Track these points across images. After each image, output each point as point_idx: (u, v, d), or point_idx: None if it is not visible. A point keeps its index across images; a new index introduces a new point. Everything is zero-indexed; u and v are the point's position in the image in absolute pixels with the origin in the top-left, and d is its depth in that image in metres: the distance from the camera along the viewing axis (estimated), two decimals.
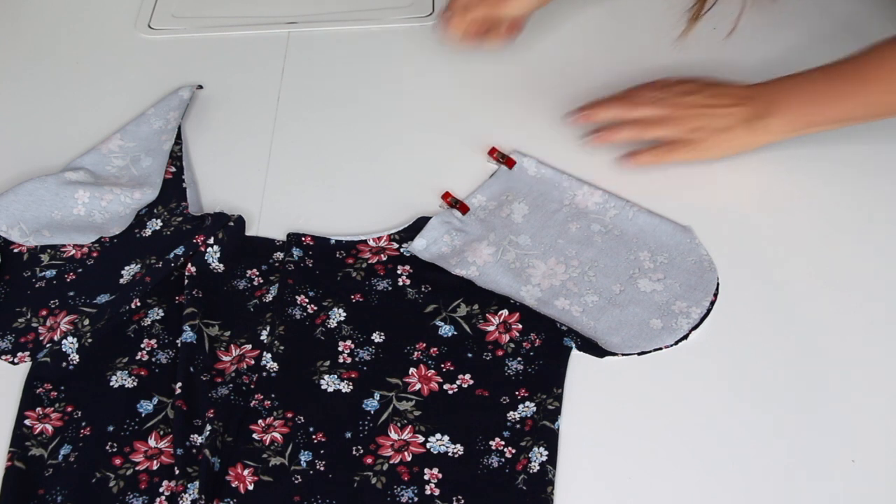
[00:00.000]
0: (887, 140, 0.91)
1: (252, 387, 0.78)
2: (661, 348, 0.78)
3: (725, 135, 0.86)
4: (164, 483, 0.73)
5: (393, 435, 0.75)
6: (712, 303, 0.80)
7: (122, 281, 0.85)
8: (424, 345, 0.80)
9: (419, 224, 0.87)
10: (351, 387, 0.78)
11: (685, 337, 0.79)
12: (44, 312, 0.83)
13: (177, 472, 0.73)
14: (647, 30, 1.06)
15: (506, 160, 0.92)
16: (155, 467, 0.74)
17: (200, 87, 1.03)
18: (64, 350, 0.80)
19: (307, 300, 0.83)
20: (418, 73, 1.04)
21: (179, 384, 0.77)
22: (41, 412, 0.78)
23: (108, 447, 0.75)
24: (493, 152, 0.93)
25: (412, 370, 0.78)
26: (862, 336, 0.79)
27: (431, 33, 1.06)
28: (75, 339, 0.80)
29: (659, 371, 0.77)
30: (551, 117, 0.97)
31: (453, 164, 0.93)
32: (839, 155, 0.90)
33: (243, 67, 1.05)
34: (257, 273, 0.85)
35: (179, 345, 0.79)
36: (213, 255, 0.85)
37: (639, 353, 0.78)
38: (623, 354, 0.78)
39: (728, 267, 0.83)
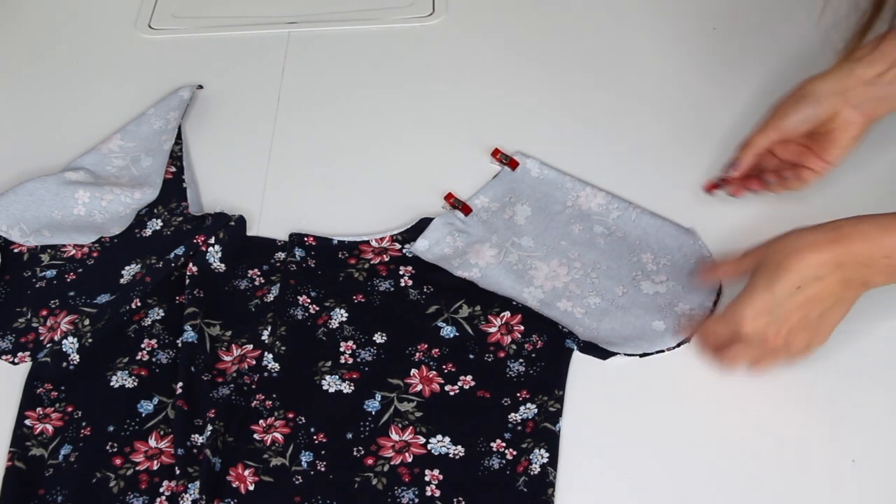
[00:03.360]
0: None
1: (253, 387, 0.78)
2: (662, 350, 0.78)
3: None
4: (165, 483, 0.73)
5: (394, 436, 0.75)
6: (715, 303, 0.81)
7: (122, 281, 0.85)
8: (426, 346, 0.80)
9: (422, 225, 0.87)
10: (352, 387, 0.78)
11: (687, 339, 0.79)
12: (44, 312, 0.83)
13: (177, 472, 0.72)
14: (649, 31, 1.06)
15: (509, 161, 0.92)
16: (155, 467, 0.74)
17: (200, 87, 1.02)
18: (64, 350, 0.80)
19: (309, 300, 0.83)
20: (419, 73, 1.04)
21: (180, 384, 0.76)
22: (41, 412, 0.77)
23: (108, 447, 0.75)
24: (496, 153, 0.93)
25: (414, 371, 0.78)
26: (862, 335, 0.79)
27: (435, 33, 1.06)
28: (75, 339, 0.80)
29: (660, 373, 0.77)
30: (555, 118, 0.97)
31: (456, 165, 0.93)
32: None
33: (243, 67, 1.05)
34: (258, 273, 0.85)
35: (180, 344, 0.79)
36: (214, 254, 0.85)
37: (640, 355, 0.78)
38: (625, 355, 0.78)
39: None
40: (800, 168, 0.84)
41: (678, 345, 0.78)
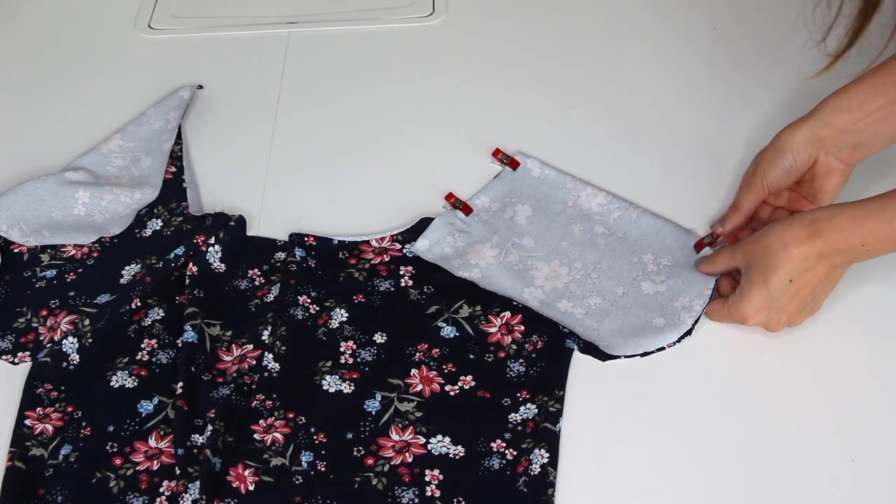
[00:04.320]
0: None
1: (253, 387, 0.78)
2: (663, 348, 0.78)
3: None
4: (165, 483, 0.73)
5: (394, 436, 0.75)
6: (714, 290, 0.81)
7: (122, 281, 0.85)
8: (426, 346, 0.80)
9: (422, 225, 0.87)
10: (352, 387, 0.78)
11: (689, 332, 0.79)
12: (44, 312, 0.83)
13: (178, 472, 0.72)
14: (649, 31, 1.06)
15: (510, 161, 0.92)
16: (155, 467, 0.74)
17: (200, 87, 1.02)
18: (64, 350, 0.80)
19: (309, 300, 0.83)
20: (420, 73, 1.04)
21: (181, 384, 0.76)
22: (41, 412, 0.77)
23: (108, 447, 0.75)
24: (497, 153, 0.93)
25: (414, 371, 0.78)
26: (862, 335, 0.79)
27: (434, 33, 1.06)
28: (76, 339, 0.80)
29: (660, 373, 0.77)
30: (555, 118, 0.97)
31: (457, 165, 0.93)
32: None
33: (243, 67, 1.05)
34: (258, 273, 0.85)
35: (180, 344, 0.79)
36: (214, 254, 0.85)
37: (642, 355, 0.78)
38: (626, 356, 0.78)
39: None
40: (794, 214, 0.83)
41: (679, 339, 0.78)
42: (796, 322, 0.77)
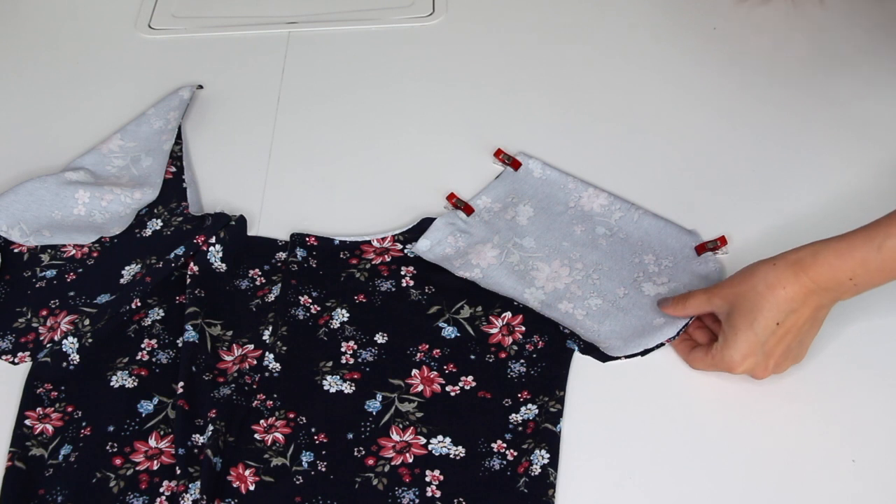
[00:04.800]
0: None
1: (254, 387, 0.78)
2: (663, 343, 0.78)
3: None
4: (165, 483, 0.73)
5: (395, 436, 0.75)
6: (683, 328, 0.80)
7: (122, 281, 0.85)
8: (427, 346, 0.80)
9: (423, 225, 0.87)
10: (353, 388, 0.78)
11: (686, 326, 0.78)
12: (44, 312, 0.83)
13: (178, 471, 0.72)
14: (650, 31, 1.06)
15: (511, 162, 0.92)
16: (155, 467, 0.74)
17: (200, 86, 1.02)
18: (64, 350, 0.80)
19: (310, 300, 0.83)
20: (420, 73, 1.04)
21: (181, 384, 0.76)
22: (41, 412, 0.77)
23: (108, 447, 0.75)
24: (498, 154, 0.93)
25: (415, 371, 0.78)
26: (862, 335, 0.79)
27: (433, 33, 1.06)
28: (76, 339, 0.80)
29: (660, 374, 0.77)
30: (556, 119, 0.97)
31: (458, 165, 0.93)
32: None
33: (243, 67, 1.05)
34: (259, 273, 0.85)
35: (181, 344, 0.79)
36: (215, 254, 0.85)
37: (642, 353, 0.78)
38: (626, 357, 0.78)
39: (733, 270, 0.83)
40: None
41: (677, 333, 0.78)
42: (781, 368, 0.75)
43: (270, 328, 0.81)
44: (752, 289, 0.72)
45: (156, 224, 0.90)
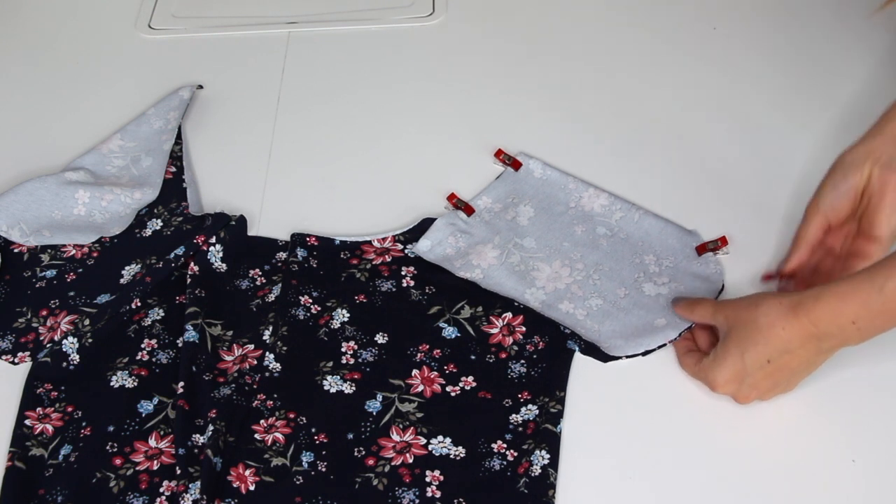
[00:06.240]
0: None
1: (254, 387, 0.78)
2: (665, 344, 0.78)
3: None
4: (165, 483, 0.73)
5: (395, 436, 0.75)
6: (720, 293, 0.81)
7: (122, 281, 0.85)
8: (427, 346, 0.80)
9: (424, 225, 0.87)
10: (353, 388, 0.78)
11: (689, 328, 0.79)
12: (44, 312, 0.83)
13: (178, 471, 0.72)
14: (651, 31, 1.06)
15: (512, 162, 0.92)
16: (155, 467, 0.74)
17: (200, 87, 1.02)
18: (64, 350, 0.80)
19: (311, 301, 0.83)
20: (420, 73, 1.04)
21: (181, 384, 0.76)
22: (41, 412, 0.77)
23: (108, 447, 0.75)
24: (499, 154, 0.93)
25: (415, 372, 0.78)
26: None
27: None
28: (76, 339, 0.80)
29: (661, 374, 0.77)
30: (557, 119, 0.97)
31: (459, 166, 0.93)
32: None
33: (243, 67, 1.05)
34: (259, 273, 0.85)
35: (181, 344, 0.79)
36: (215, 254, 0.85)
37: (643, 353, 0.78)
38: (627, 357, 0.78)
39: (733, 270, 0.83)
40: (852, 259, 0.78)
41: (679, 335, 0.78)
42: (766, 398, 0.74)
43: (271, 328, 0.81)
44: (753, 321, 0.71)
45: (156, 224, 0.90)
